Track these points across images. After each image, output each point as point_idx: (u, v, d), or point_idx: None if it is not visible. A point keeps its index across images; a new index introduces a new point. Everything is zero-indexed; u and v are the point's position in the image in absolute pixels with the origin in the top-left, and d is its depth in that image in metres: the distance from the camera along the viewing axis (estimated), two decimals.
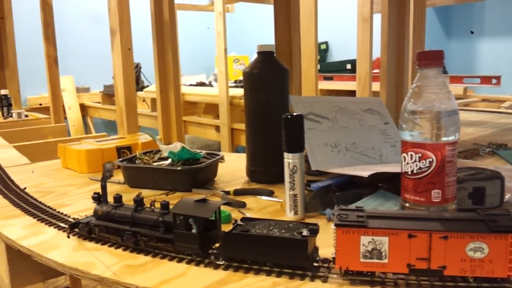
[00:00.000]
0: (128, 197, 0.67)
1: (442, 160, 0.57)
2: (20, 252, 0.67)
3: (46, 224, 0.69)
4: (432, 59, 0.58)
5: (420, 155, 0.58)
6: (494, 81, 2.57)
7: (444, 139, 0.57)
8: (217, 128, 2.59)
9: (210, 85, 3.27)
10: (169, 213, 0.58)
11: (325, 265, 0.51)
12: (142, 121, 3.24)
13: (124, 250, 0.59)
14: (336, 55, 4.00)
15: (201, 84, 3.28)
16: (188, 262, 0.55)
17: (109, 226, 0.61)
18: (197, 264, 0.54)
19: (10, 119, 2.04)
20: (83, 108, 3.85)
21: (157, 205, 0.61)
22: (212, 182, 0.89)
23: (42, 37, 1.95)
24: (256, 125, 0.87)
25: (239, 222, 0.57)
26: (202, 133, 2.75)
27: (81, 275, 0.53)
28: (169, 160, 0.86)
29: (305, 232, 0.52)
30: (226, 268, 0.53)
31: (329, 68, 3.55)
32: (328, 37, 4.05)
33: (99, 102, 3.81)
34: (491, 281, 0.47)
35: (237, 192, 0.80)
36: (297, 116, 0.66)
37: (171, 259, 0.56)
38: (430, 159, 0.58)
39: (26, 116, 2.07)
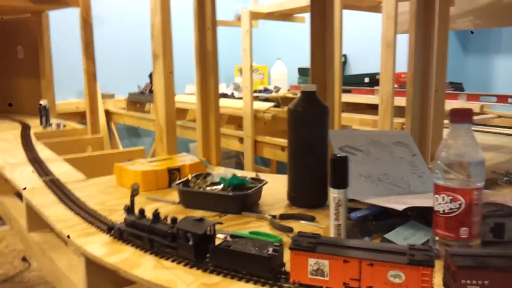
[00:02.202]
0: (181, 217, 0.78)
1: (470, 203, 0.68)
2: (97, 266, 0.78)
3: (123, 242, 0.80)
4: (463, 116, 0.68)
5: (451, 197, 0.68)
6: (510, 100, 2.66)
7: (472, 185, 0.67)
8: (241, 140, 2.70)
9: (232, 96, 3.38)
10: (175, 227, 0.75)
11: (284, 277, 0.66)
12: None
13: (197, 269, 0.70)
14: (354, 68, 4.09)
15: (224, 95, 3.39)
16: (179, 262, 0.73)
17: (133, 232, 0.79)
18: (191, 267, 0.71)
19: (49, 128, 2.17)
20: (108, 113, 3.98)
21: (169, 220, 0.77)
22: (258, 205, 0.99)
23: (82, 54, 2.08)
24: (299, 156, 0.98)
25: (228, 238, 0.74)
26: (225, 143, 2.86)
27: None
28: (221, 185, 0.97)
29: (270, 251, 0.66)
30: (204, 270, 0.70)
31: (347, 81, 3.64)
32: (346, 50, 4.14)
33: (123, 108, 3.94)
34: None
35: (283, 217, 0.90)
36: (343, 157, 0.76)
37: (232, 277, 0.67)
38: (460, 202, 0.68)
39: (64, 126, 2.19)
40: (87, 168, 1.43)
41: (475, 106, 2.71)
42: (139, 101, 3.80)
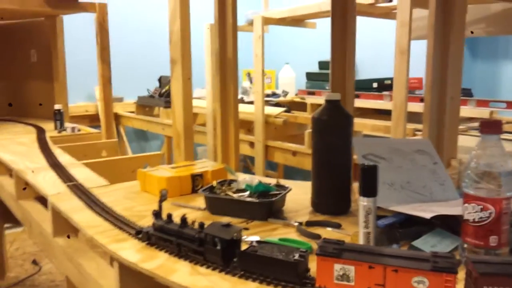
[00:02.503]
0: (208, 222, 0.80)
1: (499, 212, 0.69)
2: (130, 271, 0.80)
3: (156, 248, 0.82)
4: (493, 128, 0.70)
5: (481, 207, 0.70)
6: None
7: (502, 195, 0.69)
8: (251, 144, 2.72)
9: (242, 100, 3.40)
10: (203, 232, 0.77)
11: (311, 282, 0.67)
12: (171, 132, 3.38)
13: (232, 276, 0.71)
14: (362, 73, 4.11)
15: None
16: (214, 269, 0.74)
17: (161, 236, 0.82)
18: (220, 272, 0.73)
19: (64, 133, 2.19)
20: (117, 117, 4.00)
21: (196, 225, 0.80)
22: (282, 211, 1.01)
23: (97, 58, 2.10)
24: (323, 164, 0.99)
25: (254, 243, 0.75)
26: (217, 140, 2.86)
27: None
28: (247, 192, 0.99)
29: (297, 256, 0.68)
30: (240, 276, 0.71)
31: (356, 85, 3.66)
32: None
33: (132, 112, 3.96)
34: None
35: (309, 224, 0.92)
36: (373, 166, 0.78)
37: (268, 283, 0.68)
38: (490, 211, 0.69)
39: (79, 130, 2.22)
40: (104, 173, 1.45)
41: (484, 112, 2.72)
42: (148, 104, 3.82)
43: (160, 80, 3.82)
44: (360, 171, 0.78)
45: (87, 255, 1.05)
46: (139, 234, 0.87)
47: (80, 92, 3.79)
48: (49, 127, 2.32)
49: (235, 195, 0.99)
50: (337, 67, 1.19)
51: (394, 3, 2.12)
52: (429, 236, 0.84)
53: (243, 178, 1.04)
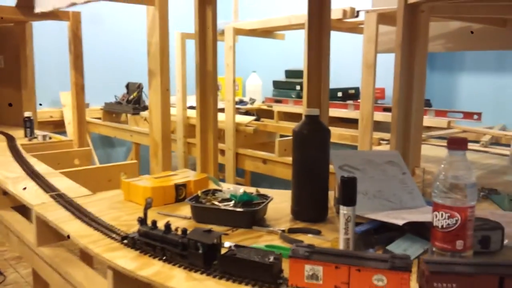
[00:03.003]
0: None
1: (465, 219, 0.78)
2: (124, 278, 0.84)
3: (149, 256, 0.86)
4: (460, 144, 0.78)
5: (449, 214, 0.78)
6: (475, 116, 2.85)
7: (467, 204, 0.78)
8: (222, 152, 2.77)
9: None
10: (186, 237, 0.83)
11: (284, 281, 0.75)
12: (144, 140, 3.40)
13: (226, 281, 0.77)
14: None
15: None
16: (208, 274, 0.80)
17: (146, 241, 0.88)
18: (201, 274, 0.80)
19: (35, 140, 2.18)
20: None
21: (179, 231, 0.86)
22: (264, 219, 1.07)
23: (70, 67, 2.11)
24: (302, 175, 1.06)
25: (233, 248, 0.81)
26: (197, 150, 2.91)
27: None
28: (232, 201, 1.04)
29: (271, 259, 0.76)
30: (220, 278, 0.78)
31: None
32: None
33: (99, 118, 3.93)
34: None
35: (291, 231, 0.99)
36: (352, 178, 0.85)
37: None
38: (456, 218, 0.78)
39: (50, 138, 2.21)
40: (81, 182, 1.47)
41: (442, 121, 2.88)
42: (116, 111, 3.81)
43: (127, 86, 3.82)
44: (340, 182, 0.86)
45: (75, 264, 1.08)
46: (125, 239, 0.93)
47: (44, 97, 3.73)
48: (18, 135, 2.29)
49: (221, 205, 1.04)
50: (312, 84, 1.26)
51: (360, 18, 2.22)
52: (401, 240, 0.93)
53: (227, 188, 1.10)
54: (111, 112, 3.86)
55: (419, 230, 0.95)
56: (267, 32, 2.78)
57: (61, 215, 1.10)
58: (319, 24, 1.27)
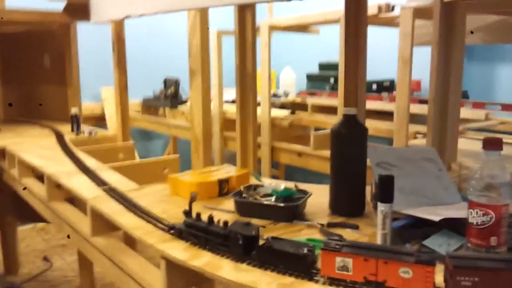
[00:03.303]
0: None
1: (499, 216, 0.81)
2: (176, 268, 0.92)
3: (197, 247, 0.93)
4: (495, 145, 0.82)
5: (483, 212, 0.82)
6: None
7: (501, 202, 0.81)
8: (258, 146, 2.83)
9: None
10: (227, 228, 0.91)
11: (317, 271, 0.81)
12: (182, 133, 3.50)
13: (271, 271, 0.83)
14: None
15: None
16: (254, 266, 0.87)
17: (191, 232, 0.97)
18: (242, 262, 0.87)
19: (81, 135, 2.29)
20: None
21: (221, 223, 0.94)
22: (304, 213, 1.13)
23: (114, 66, 2.21)
24: (341, 172, 1.11)
25: (269, 239, 0.87)
26: (234, 146, 2.98)
27: None
28: (273, 196, 1.10)
29: (305, 251, 0.81)
30: (259, 267, 0.85)
31: None
32: None
33: (138, 112, 4.06)
34: None
35: (330, 225, 1.04)
36: (389, 176, 0.90)
37: (302, 278, 0.80)
38: (491, 216, 0.82)
39: (96, 133, 2.32)
40: (126, 175, 1.56)
41: (480, 113, 2.85)
42: (154, 105, 3.93)
43: (165, 82, 3.92)
44: (378, 180, 0.90)
45: (128, 254, 1.16)
46: (172, 230, 1.01)
47: (86, 92, 3.88)
48: (65, 130, 2.41)
49: (263, 200, 1.11)
50: (349, 82, 1.30)
51: (395, 12, 2.23)
52: (437, 236, 0.96)
53: (268, 184, 1.16)
54: (150, 106, 3.98)
55: (455, 226, 0.98)
56: (301, 28, 2.82)
57: (115, 208, 1.19)
58: (356, 23, 1.31)
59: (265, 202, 1.09)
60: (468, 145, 2.16)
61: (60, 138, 2.22)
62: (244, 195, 1.14)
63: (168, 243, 0.96)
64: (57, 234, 3.72)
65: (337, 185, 1.12)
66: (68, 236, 1.61)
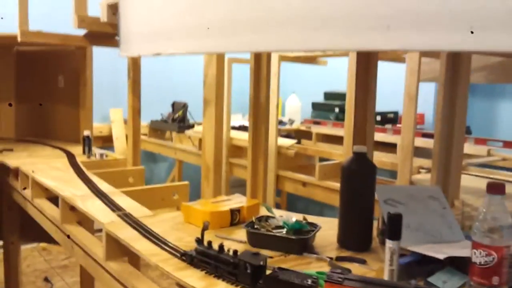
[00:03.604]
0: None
1: (501, 257, 0.86)
2: None
3: (214, 277, 0.97)
4: (498, 189, 0.87)
5: (486, 252, 0.87)
6: None
7: (503, 243, 0.86)
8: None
9: (244, 127, 3.60)
10: (237, 257, 0.96)
11: None
12: (188, 157, 3.56)
13: None
14: None
15: (245, 127, 3.59)
16: None
17: (202, 259, 1.02)
18: None
19: (92, 158, 2.35)
20: (128, 139, 4.16)
21: (231, 252, 0.99)
22: (313, 246, 1.17)
23: (128, 91, 2.28)
24: (349, 206, 1.16)
25: (276, 269, 0.93)
26: (245, 174, 3.03)
27: None
28: (285, 229, 1.15)
29: (310, 282, 0.87)
30: None
31: None
32: None
33: (145, 135, 4.12)
34: None
35: (339, 259, 1.08)
36: (398, 214, 0.95)
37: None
38: (493, 256, 0.86)
39: (106, 156, 2.37)
40: (136, 200, 1.61)
41: (482, 149, 2.91)
42: (161, 128, 3.99)
43: (173, 105, 4.00)
44: (387, 218, 0.95)
45: (140, 279, 1.20)
46: (184, 256, 1.06)
47: (95, 113, 3.95)
48: (76, 151, 2.46)
49: (275, 231, 1.15)
50: (359, 118, 1.36)
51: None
52: (441, 273, 1.01)
53: (279, 216, 1.20)
54: (157, 129, 4.05)
55: (458, 264, 1.03)
56: (310, 59, 2.90)
57: (130, 234, 1.23)
58: (367, 63, 1.37)
59: (278, 234, 1.14)
60: (471, 182, 2.21)
61: (72, 159, 2.27)
62: (256, 226, 1.19)
63: (184, 271, 1.01)
64: (59, 255, 3.74)
65: (346, 220, 1.17)
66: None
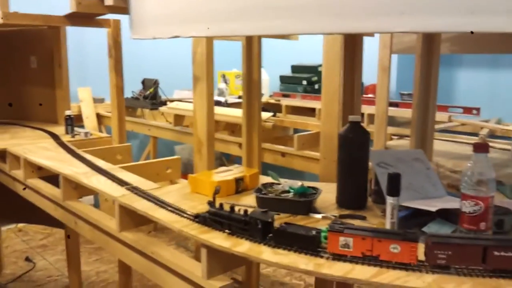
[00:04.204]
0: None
1: (487, 206, 1.01)
2: (215, 254, 1.06)
3: (237, 237, 1.08)
4: (483, 148, 1.02)
5: (474, 202, 1.02)
6: (474, 111, 3.09)
7: (488, 194, 1.01)
8: (240, 145, 2.98)
9: (226, 103, 3.67)
10: (247, 215, 1.09)
11: (323, 249, 1.00)
12: (163, 133, 3.61)
13: (305, 254, 0.99)
14: None
15: (218, 102, 3.66)
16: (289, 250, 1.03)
17: (215, 219, 1.14)
18: (259, 243, 1.05)
19: (77, 137, 2.37)
20: (99, 117, 4.15)
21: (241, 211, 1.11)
22: (315, 207, 1.30)
23: (110, 70, 2.31)
24: (348, 170, 1.29)
25: (283, 224, 1.06)
26: (225, 148, 3.13)
27: (292, 269, 0.94)
28: (291, 193, 1.27)
29: (314, 233, 1.01)
30: (275, 247, 1.03)
31: None
32: None
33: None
34: (403, 264, 0.94)
35: (342, 216, 1.22)
36: (397, 174, 1.08)
37: (333, 259, 0.97)
38: (480, 206, 1.01)
39: (91, 134, 2.41)
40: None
41: (443, 116, 3.12)
42: (133, 106, 4.00)
43: (143, 82, 4.01)
44: (388, 177, 1.08)
45: (158, 245, 1.29)
46: (197, 218, 1.18)
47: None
48: (57, 131, 2.48)
49: (283, 195, 1.27)
50: (347, 91, 1.48)
51: None
52: (433, 224, 1.16)
53: (284, 182, 1.32)
54: (128, 107, 4.04)
55: (446, 216, 1.18)
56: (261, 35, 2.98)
57: (146, 205, 1.32)
58: (354, 41, 1.49)
59: (289, 198, 1.25)
60: (438, 146, 2.40)
61: (57, 140, 2.29)
62: (264, 192, 1.30)
63: (208, 234, 1.11)
64: (36, 235, 3.75)
65: (344, 182, 1.30)
66: (69, 237, 1.72)
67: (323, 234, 1.02)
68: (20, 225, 3.82)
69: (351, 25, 0.81)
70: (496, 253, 0.90)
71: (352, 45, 1.47)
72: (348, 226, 1.01)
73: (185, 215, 1.22)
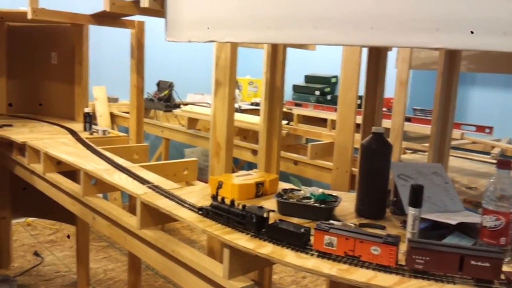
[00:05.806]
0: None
1: (508, 221, 1.03)
2: (237, 254, 1.09)
3: (260, 239, 1.11)
4: (506, 165, 1.04)
5: (495, 217, 1.04)
6: (487, 130, 3.11)
7: (510, 210, 1.03)
8: (254, 152, 3.01)
9: (240, 110, 3.70)
10: (245, 210, 1.15)
11: (310, 246, 1.06)
12: (175, 136, 3.65)
13: (328, 260, 1.01)
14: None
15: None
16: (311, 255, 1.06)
17: (216, 212, 1.22)
18: (255, 238, 1.12)
19: (95, 135, 2.41)
20: (112, 116, 4.20)
21: (240, 206, 1.18)
22: (335, 214, 1.32)
23: (131, 70, 2.34)
24: (369, 180, 1.32)
25: (277, 221, 1.12)
26: (238, 154, 3.16)
27: (316, 273, 0.96)
28: (312, 199, 1.29)
29: (302, 230, 1.06)
30: (268, 241, 1.10)
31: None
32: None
33: (126, 112, 4.16)
34: (382, 266, 0.98)
35: (362, 225, 1.24)
36: (420, 186, 1.10)
37: (355, 264, 0.99)
38: (502, 221, 1.03)
39: (109, 132, 2.44)
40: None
41: (456, 133, 3.14)
42: (147, 107, 4.04)
43: (158, 84, 4.05)
44: (410, 189, 1.11)
45: (178, 244, 1.32)
46: (201, 210, 1.25)
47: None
48: (75, 127, 2.52)
49: (304, 201, 1.29)
50: (369, 104, 1.51)
51: None
52: (451, 237, 1.18)
53: (305, 188, 1.35)
54: (144, 108, 4.09)
55: (464, 229, 1.20)
56: (299, 44, 3.02)
57: (169, 204, 1.34)
58: (378, 54, 1.52)
59: (308, 204, 1.28)
60: (451, 162, 2.42)
61: (75, 136, 2.33)
62: (284, 197, 1.32)
63: (232, 234, 1.13)
64: (44, 230, 3.78)
65: (364, 192, 1.33)
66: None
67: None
68: (29, 219, 3.85)
69: (387, 39, 0.84)
70: (473, 262, 0.93)
71: (376, 57, 1.50)
72: (335, 226, 1.06)
73: (207, 216, 1.25)
